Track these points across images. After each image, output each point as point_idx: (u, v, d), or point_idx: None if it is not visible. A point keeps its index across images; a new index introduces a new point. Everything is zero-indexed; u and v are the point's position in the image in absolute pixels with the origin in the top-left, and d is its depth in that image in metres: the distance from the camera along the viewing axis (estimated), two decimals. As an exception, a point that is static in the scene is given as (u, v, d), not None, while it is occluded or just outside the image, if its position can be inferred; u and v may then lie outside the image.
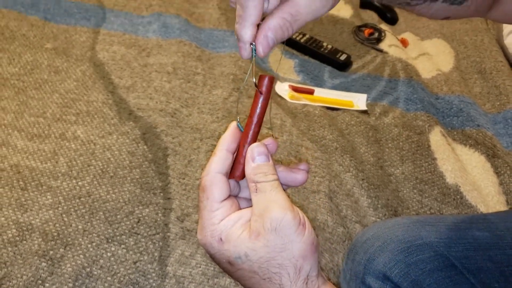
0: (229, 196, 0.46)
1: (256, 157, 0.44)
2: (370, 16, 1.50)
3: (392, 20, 1.49)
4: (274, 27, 0.41)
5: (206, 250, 0.45)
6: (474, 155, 1.06)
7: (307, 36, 1.36)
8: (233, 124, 0.46)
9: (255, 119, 0.44)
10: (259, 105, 0.44)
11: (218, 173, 0.45)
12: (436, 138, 1.09)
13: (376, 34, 1.41)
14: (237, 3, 0.41)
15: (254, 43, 0.42)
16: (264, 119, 1.12)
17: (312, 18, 0.43)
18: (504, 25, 1.38)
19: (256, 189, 0.43)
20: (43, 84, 1.13)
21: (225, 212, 0.44)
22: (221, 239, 0.42)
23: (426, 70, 1.30)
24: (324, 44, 1.34)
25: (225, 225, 0.43)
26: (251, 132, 0.45)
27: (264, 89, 0.44)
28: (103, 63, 1.21)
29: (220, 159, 0.45)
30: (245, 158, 0.44)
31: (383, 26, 1.46)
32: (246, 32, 0.41)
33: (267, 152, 0.44)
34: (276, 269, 0.42)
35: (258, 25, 0.41)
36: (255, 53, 0.42)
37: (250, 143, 0.44)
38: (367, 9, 1.53)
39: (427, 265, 0.64)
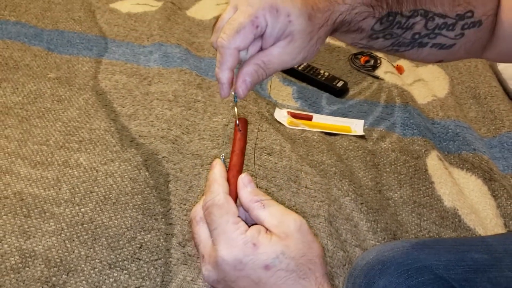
0: None
1: (247, 184, 0.48)
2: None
3: (387, 47, 1.52)
4: (250, 73, 0.48)
5: (231, 267, 0.43)
6: (471, 179, 1.07)
7: (305, 64, 1.39)
8: (219, 160, 0.50)
9: (238, 153, 0.51)
10: (240, 141, 0.51)
11: (227, 194, 0.47)
12: (433, 162, 1.10)
13: (372, 61, 1.44)
14: (217, 50, 0.47)
15: (234, 92, 0.49)
16: (264, 144, 1.13)
17: (283, 68, 0.49)
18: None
19: (264, 205, 0.46)
20: (46, 113, 1.15)
21: (245, 226, 0.45)
22: (254, 244, 0.43)
23: (421, 95, 1.32)
24: (321, 71, 1.37)
25: (253, 234, 0.44)
26: (238, 164, 0.50)
27: (240, 129, 0.52)
28: (105, 91, 1.22)
29: (223, 183, 0.48)
30: (235, 186, 0.48)
31: (379, 53, 1.49)
32: (224, 75, 0.47)
33: (252, 181, 0.49)
34: (311, 265, 0.43)
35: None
36: (236, 99, 0.49)
37: (238, 173, 0.49)
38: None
39: (427, 287, 0.64)
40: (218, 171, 0.49)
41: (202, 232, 0.46)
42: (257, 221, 0.46)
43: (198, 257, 0.48)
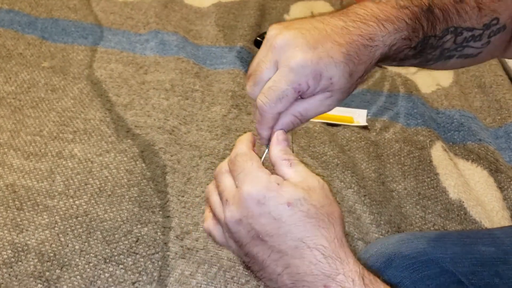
0: None
1: (281, 141, 0.49)
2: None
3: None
4: (287, 123, 0.49)
5: (254, 202, 0.43)
6: (477, 170, 1.06)
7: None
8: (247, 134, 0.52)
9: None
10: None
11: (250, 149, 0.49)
12: (438, 153, 1.08)
13: None
14: (256, 109, 0.49)
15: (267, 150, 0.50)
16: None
17: (316, 116, 0.50)
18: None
19: (291, 164, 0.47)
20: (40, 103, 1.13)
21: (269, 172, 0.46)
22: (278, 184, 0.44)
23: (425, 85, 1.30)
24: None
25: (277, 177, 0.45)
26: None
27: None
28: (100, 81, 1.20)
29: (246, 142, 0.49)
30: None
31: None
32: (263, 132, 0.50)
33: (288, 139, 0.50)
34: (331, 218, 0.44)
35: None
36: (267, 153, 0.50)
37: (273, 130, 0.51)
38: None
39: (433, 281, 0.63)
40: (244, 136, 0.50)
41: (227, 180, 0.47)
42: (282, 177, 0.47)
43: (216, 209, 0.48)
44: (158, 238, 0.86)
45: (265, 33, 1.42)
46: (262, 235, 0.44)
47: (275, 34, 0.48)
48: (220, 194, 0.47)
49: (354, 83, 0.49)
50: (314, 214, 0.44)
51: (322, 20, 0.49)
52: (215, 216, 0.49)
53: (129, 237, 0.86)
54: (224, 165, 0.49)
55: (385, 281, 0.45)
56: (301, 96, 0.49)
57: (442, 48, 0.55)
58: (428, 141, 1.11)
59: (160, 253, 0.84)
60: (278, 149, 0.48)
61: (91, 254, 0.83)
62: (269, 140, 0.50)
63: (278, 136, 0.49)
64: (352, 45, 0.47)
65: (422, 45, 0.52)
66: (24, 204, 0.89)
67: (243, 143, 0.49)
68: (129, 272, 0.81)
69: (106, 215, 0.89)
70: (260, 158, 0.50)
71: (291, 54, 0.46)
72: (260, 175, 0.45)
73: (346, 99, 0.51)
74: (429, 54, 0.55)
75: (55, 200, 0.91)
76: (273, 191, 0.44)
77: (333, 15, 0.50)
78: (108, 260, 0.82)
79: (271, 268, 0.44)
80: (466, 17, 0.54)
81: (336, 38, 0.47)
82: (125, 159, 0.99)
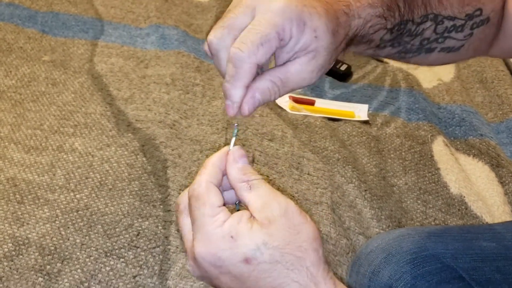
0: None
1: (238, 159, 0.43)
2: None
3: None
4: (263, 89, 0.42)
5: (209, 264, 0.40)
6: (478, 165, 1.06)
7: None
8: (224, 149, 0.45)
9: None
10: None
11: (211, 182, 0.43)
12: (439, 148, 1.08)
13: None
14: (229, 62, 0.41)
15: (237, 125, 0.44)
16: (265, 130, 1.11)
17: (298, 87, 0.44)
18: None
19: (250, 186, 0.42)
20: (41, 97, 1.13)
21: (225, 215, 0.41)
22: (232, 237, 0.39)
23: (427, 80, 1.30)
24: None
25: (231, 224, 0.40)
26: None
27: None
28: (101, 75, 1.20)
29: (210, 171, 0.43)
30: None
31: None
32: (237, 93, 0.41)
33: (246, 156, 0.44)
34: (299, 253, 0.40)
35: None
36: (236, 132, 0.44)
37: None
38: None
39: (434, 277, 0.63)
40: (212, 157, 0.44)
41: (184, 223, 0.43)
42: (242, 202, 0.43)
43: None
44: (159, 232, 0.86)
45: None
46: None
47: None
48: (181, 238, 0.45)
49: (336, 48, 0.44)
50: (279, 257, 0.39)
51: None
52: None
53: (130, 231, 0.86)
54: (183, 200, 0.44)
55: None
56: (277, 56, 0.43)
57: (421, 37, 0.52)
58: (429, 136, 1.10)
59: (161, 247, 0.84)
60: (236, 168, 0.43)
61: (92, 248, 0.83)
62: (238, 106, 0.42)
63: (234, 154, 0.43)
64: (332, 6, 0.44)
65: (399, 30, 0.50)
66: (25, 198, 0.89)
67: (206, 172, 0.43)
68: (130, 266, 0.81)
69: (107, 209, 0.89)
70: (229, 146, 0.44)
71: None
72: (211, 230, 0.40)
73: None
74: (408, 44, 0.52)
75: (56, 194, 0.90)
76: (227, 250, 0.39)
77: None
78: (109, 254, 0.82)
79: None
80: (447, 5, 0.51)
81: None
82: (125, 153, 0.99)
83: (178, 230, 0.45)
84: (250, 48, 0.39)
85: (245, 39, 0.40)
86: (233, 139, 0.44)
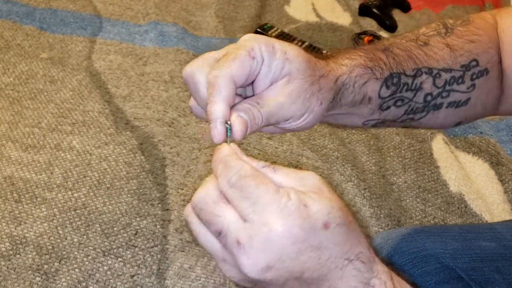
0: None
1: (241, 153, 0.41)
2: (369, 24, 1.49)
3: (391, 27, 1.48)
4: (244, 108, 0.41)
5: (291, 242, 0.36)
6: (478, 163, 1.05)
7: (307, 43, 1.35)
8: (224, 144, 0.42)
9: None
10: None
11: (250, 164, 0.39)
12: (439, 145, 1.08)
13: (376, 41, 1.40)
14: (208, 87, 0.41)
15: (229, 123, 0.41)
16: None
17: (280, 115, 0.43)
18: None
19: (274, 169, 0.39)
20: (38, 94, 1.12)
21: (285, 189, 0.38)
22: (305, 205, 0.36)
23: (426, 77, 1.29)
24: (324, 51, 1.33)
25: (297, 196, 0.37)
26: None
27: None
28: (99, 72, 1.19)
29: (237, 158, 0.40)
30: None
31: (382, 33, 1.45)
32: (217, 108, 0.40)
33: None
34: (352, 218, 0.39)
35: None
36: (230, 132, 0.41)
37: None
38: (366, 16, 1.52)
39: (433, 277, 0.62)
40: (226, 150, 0.40)
41: (227, 213, 0.37)
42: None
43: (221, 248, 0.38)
44: (157, 231, 0.86)
45: (265, 24, 1.40)
46: (300, 273, 0.37)
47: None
48: (221, 233, 0.37)
49: (315, 78, 0.44)
50: (345, 219, 0.38)
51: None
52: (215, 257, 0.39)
53: (128, 230, 0.86)
54: (211, 191, 0.38)
55: (408, 280, 0.42)
56: (255, 87, 0.43)
57: (423, 92, 0.52)
58: (429, 134, 1.10)
59: (159, 246, 0.84)
60: (246, 159, 0.40)
61: (90, 247, 0.82)
62: (221, 122, 0.40)
63: (236, 150, 0.40)
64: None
65: (394, 83, 0.50)
66: (23, 197, 0.89)
67: (239, 161, 0.39)
68: (128, 265, 0.81)
69: (105, 208, 0.88)
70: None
71: (244, 37, 0.44)
72: (284, 204, 0.36)
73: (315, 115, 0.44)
74: (411, 101, 0.52)
75: (54, 193, 0.90)
76: (307, 219, 0.36)
77: None
78: (106, 253, 0.82)
79: None
80: (438, 57, 0.52)
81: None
82: (124, 151, 0.99)
83: (187, 225, 0.37)
84: (224, 64, 0.40)
85: (218, 62, 0.41)
86: (229, 138, 0.42)
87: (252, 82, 0.44)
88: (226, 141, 0.41)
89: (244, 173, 0.37)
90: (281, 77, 0.43)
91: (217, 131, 0.40)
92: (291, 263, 0.36)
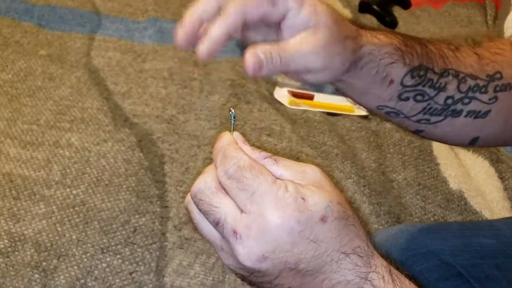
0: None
1: (243, 144, 0.41)
2: (369, 20, 1.49)
3: (391, 24, 1.48)
4: (263, 48, 0.41)
5: (286, 233, 0.36)
6: (478, 160, 1.05)
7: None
8: (225, 133, 0.42)
9: None
10: None
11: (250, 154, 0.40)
12: (439, 143, 1.07)
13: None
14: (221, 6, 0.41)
15: (232, 110, 0.42)
16: (263, 124, 1.10)
17: (300, 63, 0.43)
18: (506, 28, 1.37)
19: (275, 160, 0.40)
20: (37, 91, 1.12)
21: (283, 181, 0.38)
22: (302, 198, 0.37)
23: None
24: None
25: (295, 189, 0.37)
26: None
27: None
28: (98, 69, 1.20)
29: (238, 147, 0.40)
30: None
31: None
32: (216, 31, 0.40)
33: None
34: (349, 209, 0.39)
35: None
36: (233, 121, 0.42)
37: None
38: (366, 13, 1.52)
39: (433, 274, 0.62)
40: (226, 139, 0.40)
41: (225, 203, 0.37)
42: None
43: (218, 238, 0.39)
44: (156, 228, 0.86)
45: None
46: (295, 265, 0.37)
47: None
48: (219, 224, 0.37)
49: (341, 36, 0.44)
50: (343, 213, 0.38)
51: None
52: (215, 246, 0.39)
53: (127, 227, 0.86)
54: (210, 182, 0.38)
55: (407, 275, 0.42)
56: (279, 35, 0.43)
57: (445, 93, 0.51)
58: (429, 131, 1.10)
59: (157, 243, 0.84)
60: (249, 150, 0.40)
61: (88, 244, 0.82)
62: (213, 42, 0.40)
63: (239, 139, 0.41)
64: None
65: (420, 75, 0.50)
66: (21, 194, 0.89)
67: (238, 150, 0.39)
68: (127, 262, 0.81)
69: (103, 205, 0.88)
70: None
71: None
72: (281, 195, 0.36)
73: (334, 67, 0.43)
74: (432, 100, 0.51)
75: (52, 190, 0.90)
76: (304, 212, 0.36)
77: None
78: (105, 250, 0.82)
79: None
80: (466, 63, 0.52)
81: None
82: (122, 148, 0.99)
83: (188, 215, 0.38)
84: None
85: None
86: (233, 126, 0.42)
87: (280, 27, 0.43)
88: (229, 130, 0.41)
89: (242, 164, 0.37)
90: (308, 27, 0.42)
91: (204, 46, 0.41)
92: (286, 254, 0.36)
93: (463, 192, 0.97)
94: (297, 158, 1.01)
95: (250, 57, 0.41)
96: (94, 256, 0.81)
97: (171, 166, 0.97)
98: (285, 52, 0.42)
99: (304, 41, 0.42)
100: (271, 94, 1.20)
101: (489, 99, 0.53)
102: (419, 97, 0.51)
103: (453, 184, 0.99)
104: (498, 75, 0.53)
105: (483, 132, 0.55)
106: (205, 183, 0.38)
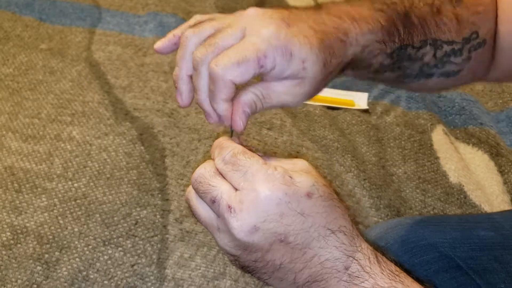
0: None
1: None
2: None
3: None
4: (249, 103, 0.43)
5: (275, 203, 0.39)
6: (477, 154, 1.05)
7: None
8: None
9: None
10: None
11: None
12: (439, 136, 1.07)
13: None
14: (209, 79, 0.42)
15: (232, 127, 0.44)
16: (264, 118, 1.10)
17: (279, 106, 0.45)
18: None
19: (268, 157, 0.43)
20: (38, 85, 1.12)
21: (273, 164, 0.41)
22: (290, 176, 0.39)
23: (427, 68, 1.29)
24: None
25: (284, 168, 0.40)
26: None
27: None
28: (99, 63, 1.19)
29: (229, 140, 0.43)
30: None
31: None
32: (219, 106, 0.43)
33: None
34: (336, 196, 0.41)
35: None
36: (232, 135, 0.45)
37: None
38: None
39: (432, 266, 0.62)
40: (223, 138, 0.44)
41: (221, 183, 0.40)
42: None
43: (216, 217, 0.42)
44: (157, 221, 0.86)
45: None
46: (285, 236, 0.39)
47: (248, 10, 0.43)
48: (215, 201, 0.40)
49: (325, 78, 0.44)
50: (328, 195, 0.40)
51: (297, 10, 0.45)
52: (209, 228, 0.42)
53: (128, 219, 0.86)
54: (209, 168, 0.42)
55: (391, 259, 0.43)
56: (262, 77, 0.43)
57: (421, 62, 0.52)
58: (429, 125, 1.10)
59: (159, 235, 0.84)
60: (241, 149, 0.43)
61: (90, 237, 0.83)
62: (227, 117, 0.43)
63: (233, 140, 0.44)
64: (327, 35, 0.43)
65: (399, 55, 0.50)
66: (23, 187, 0.89)
67: (233, 142, 0.42)
68: (128, 255, 0.81)
69: (105, 198, 0.89)
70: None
71: (264, 24, 0.41)
72: (271, 172, 0.39)
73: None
74: (408, 68, 0.51)
75: (54, 183, 0.90)
76: (291, 186, 0.39)
77: (307, 9, 0.46)
78: (107, 243, 0.82)
79: (290, 267, 0.41)
80: (445, 29, 0.51)
81: (312, 24, 0.43)
82: (123, 141, 0.99)
83: (187, 202, 0.43)
84: (226, 65, 0.40)
85: (223, 56, 0.41)
86: (232, 131, 0.44)
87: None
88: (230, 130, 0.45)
89: (237, 150, 0.41)
90: (294, 78, 0.43)
91: (211, 119, 0.44)
92: (276, 225, 0.39)
93: (463, 186, 0.97)
94: (297, 152, 1.01)
95: (242, 119, 0.43)
96: (96, 248, 0.81)
97: (172, 159, 0.97)
98: (266, 103, 0.44)
99: (288, 92, 0.43)
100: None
101: (463, 60, 0.53)
102: (396, 69, 0.51)
103: (453, 178, 0.99)
104: (474, 36, 0.53)
105: (452, 86, 0.57)
106: (204, 168, 0.42)
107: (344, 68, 0.47)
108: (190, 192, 0.43)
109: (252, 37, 0.41)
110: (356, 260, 0.40)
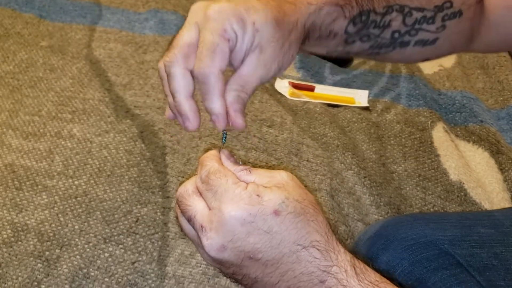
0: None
1: (229, 157, 0.47)
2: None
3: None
4: (236, 100, 0.45)
5: (240, 223, 0.40)
6: (478, 152, 1.05)
7: (307, 32, 1.35)
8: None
9: None
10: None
11: (220, 163, 0.45)
12: (439, 134, 1.07)
13: None
14: (197, 83, 0.44)
15: (225, 131, 0.47)
16: (264, 116, 1.10)
17: (261, 83, 0.47)
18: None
19: (250, 171, 0.45)
20: (38, 82, 1.12)
21: (244, 183, 0.43)
22: (258, 195, 0.41)
23: (427, 65, 1.29)
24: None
25: (253, 187, 0.42)
26: None
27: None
28: (99, 60, 1.19)
29: (213, 156, 0.46)
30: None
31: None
32: (217, 105, 0.44)
33: (233, 156, 0.48)
34: (314, 208, 0.43)
35: None
36: (224, 140, 0.48)
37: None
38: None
39: (432, 263, 0.63)
40: (210, 153, 0.47)
41: (196, 203, 0.43)
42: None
43: (193, 234, 0.44)
44: (158, 218, 0.86)
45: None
46: (253, 254, 0.41)
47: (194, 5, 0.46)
48: (191, 220, 0.43)
49: (285, 38, 0.45)
50: (300, 209, 0.42)
51: None
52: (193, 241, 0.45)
53: (129, 217, 0.86)
54: (189, 187, 0.44)
55: (375, 269, 0.44)
56: (232, 61, 0.45)
57: (391, 29, 0.52)
58: (429, 123, 1.10)
59: (159, 233, 0.84)
60: (230, 164, 0.46)
61: (91, 234, 0.83)
62: (223, 115, 0.45)
63: (224, 153, 0.47)
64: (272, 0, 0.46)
65: (362, 21, 0.50)
66: (23, 184, 0.89)
67: (212, 160, 0.45)
68: (129, 252, 0.81)
69: (105, 195, 0.89)
70: (221, 147, 0.47)
71: (209, 9, 0.44)
72: (238, 192, 0.41)
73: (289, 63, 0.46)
74: (378, 37, 0.52)
75: (54, 180, 0.90)
76: (257, 206, 0.41)
77: None
78: (107, 240, 0.82)
79: (266, 280, 0.42)
80: None
81: None
82: (124, 139, 0.99)
83: (176, 217, 0.45)
84: (207, 62, 0.43)
85: (198, 57, 0.43)
86: (223, 144, 0.48)
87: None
88: (220, 146, 0.47)
89: (212, 170, 0.43)
90: (253, 49, 0.45)
91: (220, 123, 0.45)
92: (242, 243, 0.41)
93: (463, 183, 0.97)
94: (297, 150, 1.01)
95: (237, 116, 0.45)
96: (96, 246, 0.81)
97: (172, 157, 0.97)
98: (248, 88, 0.46)
99: (256, 66, 0.45)
100: (272, 85, 1.19)
101: (437, 28, 0.54)
102: (365, 38, 0.53)
103: (453, 176, 0.99)
104: (447, 4, 0.54)
105: (432, 56, 0.58)
106: (184, 187, 0.45)
107: (307, 36, 0.48)
108: (177, 209, 0.46)
109: (206, 24, 0.44)
110: (332, 274, 0.41)
